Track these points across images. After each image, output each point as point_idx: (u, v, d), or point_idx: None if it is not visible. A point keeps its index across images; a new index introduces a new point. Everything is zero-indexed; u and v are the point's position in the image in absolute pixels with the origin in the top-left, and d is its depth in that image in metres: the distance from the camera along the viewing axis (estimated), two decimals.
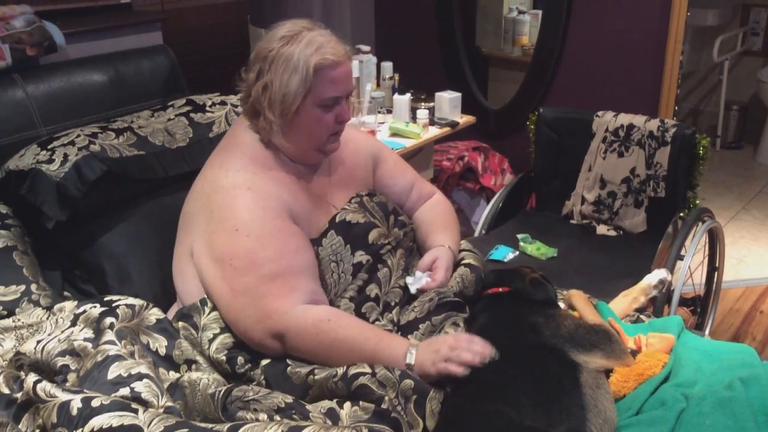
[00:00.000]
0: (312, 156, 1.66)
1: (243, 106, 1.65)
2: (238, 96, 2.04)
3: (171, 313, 1.61)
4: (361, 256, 1.63)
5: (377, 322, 1.59)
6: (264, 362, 1.49)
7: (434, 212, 1.88)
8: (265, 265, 1.47)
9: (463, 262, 1.77)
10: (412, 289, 1.66)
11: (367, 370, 1.39)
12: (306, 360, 1.47)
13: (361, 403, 1.36)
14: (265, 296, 1.46)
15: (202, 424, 1.26)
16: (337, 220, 1.64)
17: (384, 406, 1.35)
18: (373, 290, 1.62)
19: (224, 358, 1.49)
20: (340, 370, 1.40)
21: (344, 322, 1.48)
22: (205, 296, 1.55)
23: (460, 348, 1.40)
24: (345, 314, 1.53)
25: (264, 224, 1.51)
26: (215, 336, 1.51)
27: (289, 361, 1.47)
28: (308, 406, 1.36)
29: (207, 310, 1.53)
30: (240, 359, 1.49)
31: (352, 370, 1.39)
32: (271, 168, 1.61)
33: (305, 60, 1.52)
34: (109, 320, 1.46)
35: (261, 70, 1.56)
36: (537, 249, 2.52)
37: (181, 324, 1.55)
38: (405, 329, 1.59)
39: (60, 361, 1.40)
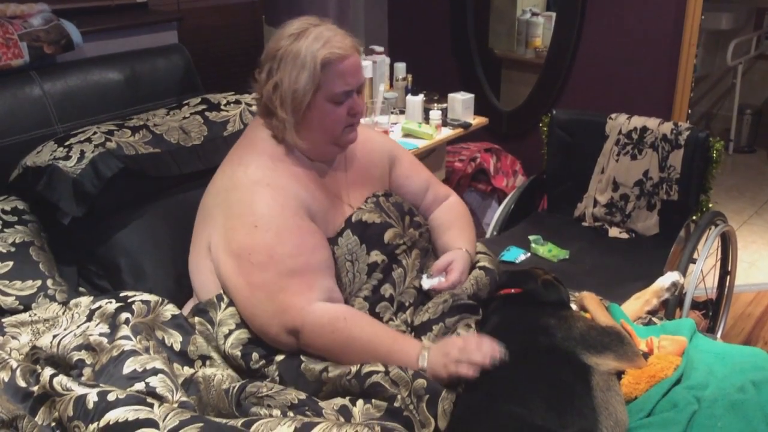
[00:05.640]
0: (328, 150, 1.66)
1: (257, 106, 1.66)
2: (252, 95, 2.06)
3: (186, 310, 1.62)
4: (376, 256, 1.63)
5: (391, 322, 1.60)
6: (278, 358, 1.50)
7: (451, 215, 1.87)
8: (283, 261, 1.48)
9: (478, 264, 1.76)
10: (425, 285, 1.66)
11: (381, 368, 1.40)
12: (320, 357, 1.48)
13: (373, 401, 1.37)
14: (283, 291, 1.47)
15: (217, 419, 1.27)
16: (353, 219, 1.65)
17: (396, 404, 1.36)
18: (387, 290, 1.62)
19: (239, 353, 1.50)
20: (354, 368, 1.41)
21: (360, 322, 1.48)
22: (222, 292, 1.55)
23: (469, 350, 1.41)
24: (361, 314, 1.53)
25: (283, 221, 1.52)
26: (231, 331, 1.52)
27: (303, 358, 1.48)
28: (321, 403, 1.37)
29: (223, 305, 1.54)
30: (255, 355, 1.50)
31: (366, 368, 1.40)
32: (290, 165, 1.61)
33: (312, 55, 1.51)
34: (124, 316, 1.48)
35: (271, 69, 1.56)
36: (549, 251, 2.52)
37: (197, 319, 1.56)
38: (418, 330, 1.59)
39: (76, 356, 1.41)
